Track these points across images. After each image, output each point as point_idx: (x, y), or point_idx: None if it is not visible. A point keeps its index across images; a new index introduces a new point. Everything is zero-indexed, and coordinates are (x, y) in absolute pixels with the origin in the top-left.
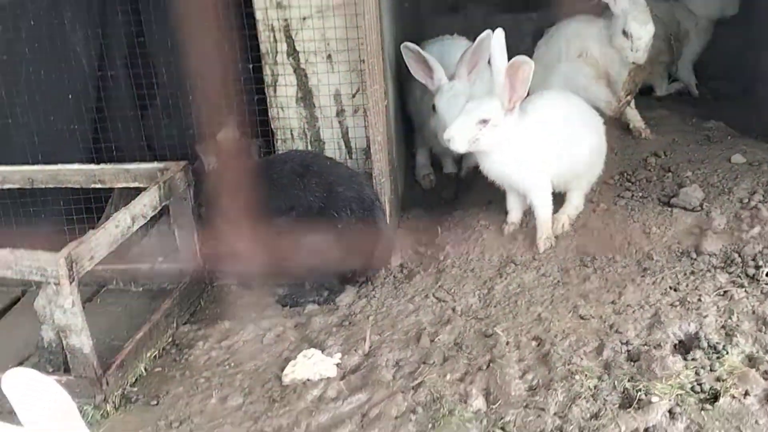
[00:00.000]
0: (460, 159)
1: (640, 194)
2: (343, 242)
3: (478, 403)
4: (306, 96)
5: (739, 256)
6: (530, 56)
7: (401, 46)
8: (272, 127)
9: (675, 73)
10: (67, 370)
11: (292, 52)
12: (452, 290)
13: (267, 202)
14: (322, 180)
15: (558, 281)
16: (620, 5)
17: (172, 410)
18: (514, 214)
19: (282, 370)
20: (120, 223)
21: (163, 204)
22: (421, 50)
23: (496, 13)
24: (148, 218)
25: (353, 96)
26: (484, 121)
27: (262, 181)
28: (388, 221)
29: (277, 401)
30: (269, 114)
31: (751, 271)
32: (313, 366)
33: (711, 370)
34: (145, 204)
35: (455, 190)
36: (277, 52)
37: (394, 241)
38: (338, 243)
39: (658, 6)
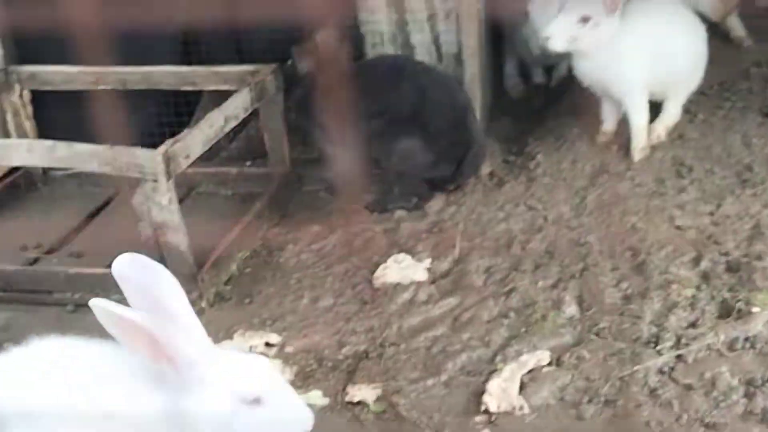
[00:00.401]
0: (549, 69)
1: (741, 105)
2: (434, 148)
3: (572, 309)
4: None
5: None
6: None
7: None
8: (362, 31)
9: None
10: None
11: None
12: (543, 199)
13: (359, 106)
14: (414, 84)
15: (653, 192)
16: None
17: (265, 309)
18: (609, 123)
19: (372, 273)
20: (214, 123)
21: (254, 107)
22: None
23: None
24: (240, 120)
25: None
26: (585, 19)
27: (354, 86)
28: (479, 128)
29: (368, 303)
30: (358, 18)
31: None
32: (403, 270)
33: None
34: (237, 105)
35: (545, 100)
36: None
37: (485, 148)
38: (429, 149)
39: None
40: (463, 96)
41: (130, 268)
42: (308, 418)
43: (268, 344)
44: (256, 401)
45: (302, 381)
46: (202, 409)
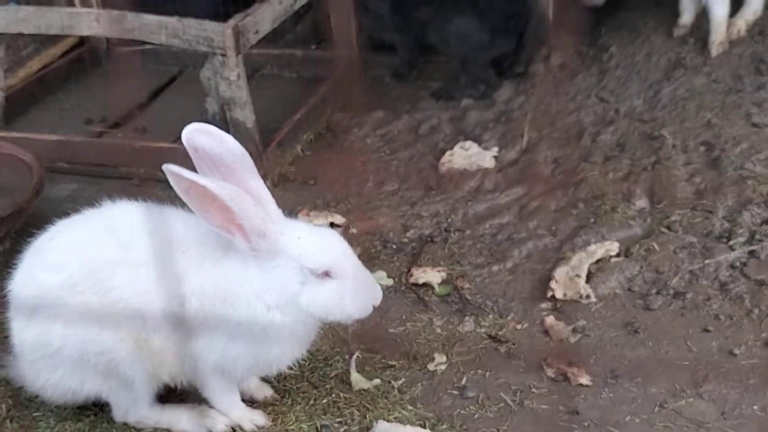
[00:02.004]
0: None
1: None
2: (488, 25)
3: (642, 202)
4: None
5: None
6: None
7: None
8: None
9: None
10: None
11: None
12: (616, 91)
13: None
14: None
15: (730, 88)
16: None
17: (329, 191)
18: (687, 16)
19: (438, 159)
20: (283, 1)
21: None
22: None
23: None
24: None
25: None
26: None
27: None
28: (548, 11)
29: (434, 189)
30: None
31: None
32: (470, 157)
33: None
34: None
35: None
36: None
37: (548, 25)
38: (483, 26)
39: None
40: None
41: (200, 136)
42: (377, 294)
43: (332, 225)
44: (326, 274)
45: (367, 262)
46: (270, 281)
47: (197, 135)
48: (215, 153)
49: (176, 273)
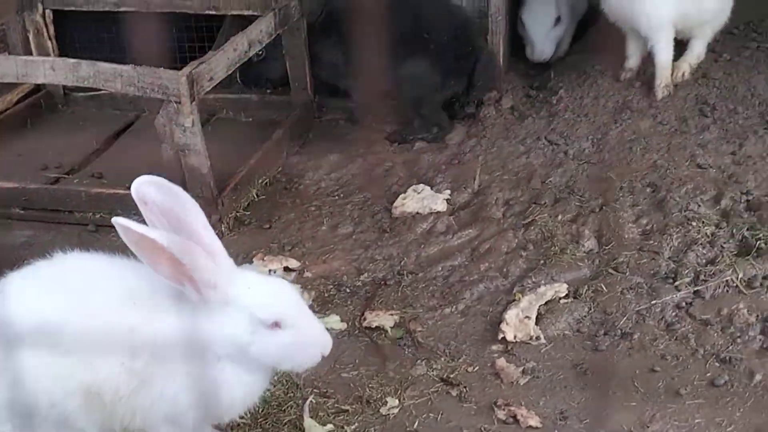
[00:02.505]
0: None
1: (766, 45)
2: (439, 66)
3: (591, 243)
4: None
5: None
6: None
7: None
8: None
9: None
10: (184, 190)
11: None
12: (565, 134)
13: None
14: (405, 7)
15: (675, 130)
16: None
17: (284, 234)
18: (633, 60)
19: (391, 203)
20: (238, 47)
21: (277, 32)
22: None
23: None
24: (263, 45)
25: None
26: None
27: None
28: (500, 56)
29: (387, 232)
30: None
31: None
32: (423, 200)
33: None
34: (261, 30)
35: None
36: None
37: (498, 63)
38: (435, 67)
39: None
40: (462, 11)
41: (149, 189)
42: (327, 343)
43: (287, 269)
44: (276, 324)
45: (320, 306)
46: (221, 331)
47: (147, 187)
48: (165, 205)
49: (128, 324)
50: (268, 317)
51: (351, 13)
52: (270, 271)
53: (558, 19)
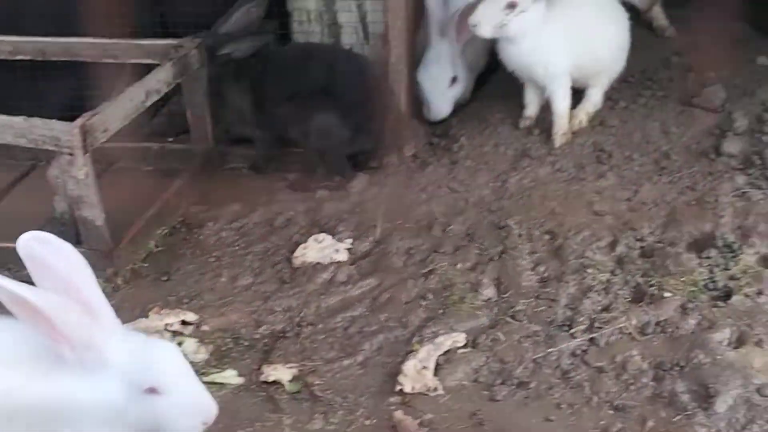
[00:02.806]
0: None
1: (661, 93)
2: (350, 122)
3: (489, 291)
4: None
5: (759, 158)
6: None
7: None
8: (288, 8)
9: None
10: (78, 243)
11: None
12: (465, 182)
13: (272, 90)
14: (321, 62)
15: (573, 177)
16: None
17: (182, 287)
18: (531, 108)
19: (292, 253)
20: (134, 98)
21: (177, 81)
22: None
23: None
24: (162, 95)
25: None
26: (512, 6)
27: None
28: (401, 104)
29: (287, 282)
30: None
31: None
32: (323, 250)
33: (725, 269)
34: (159, 79)
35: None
36: None
37: (407, 121)
38: (345, 123)
39: None
40: (375, 70)
41: (34, 246)
42: (210, 410)
43: (184, 322)
44: (153, 390)
45: (218, 360)
46: (95, 395)
47: (33, 244)
48: (51, 262)
49: (3, 387)
50: (143, 382)
51: (263, 62)
52: (166, 325)
53: (454, 79)
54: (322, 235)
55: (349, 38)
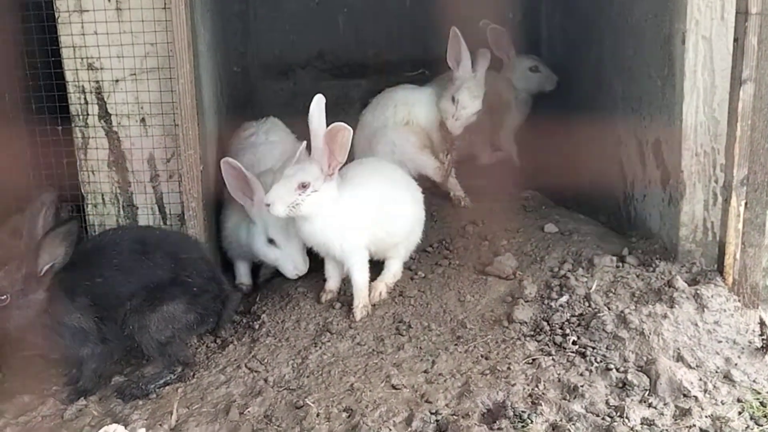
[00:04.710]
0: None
1: (457, 262)
2: (197, 306)
3: None
4: (118, 160)
5: (548, 324)
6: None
7: (221, 161)
8: (82, 191)
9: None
10: None
11: (104, 115)
12: (265, 360)
13: (113, 288)
14: (164, 251)
15: (373, 350)
16: (462, 71)
17: None
18: (332, 282)
19: None
20: None
21: None
22: (243, 168)
23: (326, 79)
24: None
25: (168, 161)
26: (304, 186)
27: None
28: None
29: None
30: (79, 178)
31: (559, 339)
32: None
33: None
34: None
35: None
36: (88, 114)
37: (237, 295)
38: (192, 307)
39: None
40: (206, 249)
41: None
42: None
43: None
44: None
45: None
46: None
47: None
48: None
49: None
50: None
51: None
52: None
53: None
54: (114, 426)
55: (145, 219)
